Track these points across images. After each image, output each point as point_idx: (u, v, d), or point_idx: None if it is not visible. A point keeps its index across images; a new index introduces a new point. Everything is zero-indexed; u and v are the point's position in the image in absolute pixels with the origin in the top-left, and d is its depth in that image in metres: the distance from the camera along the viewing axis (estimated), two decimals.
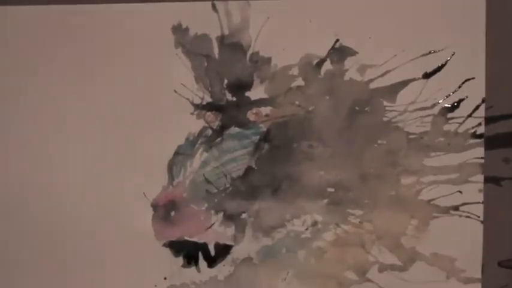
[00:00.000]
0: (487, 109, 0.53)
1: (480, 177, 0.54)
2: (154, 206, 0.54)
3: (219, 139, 0.53)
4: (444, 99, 0.53)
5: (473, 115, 0.53)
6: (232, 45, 0.52)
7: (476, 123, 0.53)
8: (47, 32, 0.51)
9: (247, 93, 0.52)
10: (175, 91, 0.52)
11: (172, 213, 0.54)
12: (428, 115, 0.53)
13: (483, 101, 0.53)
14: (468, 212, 0.54)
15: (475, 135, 0.53)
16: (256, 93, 0.52)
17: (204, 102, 0.52)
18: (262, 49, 0.52)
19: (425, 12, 0.52)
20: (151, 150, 0.53)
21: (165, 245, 0.54)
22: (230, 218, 0.54)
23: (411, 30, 0.52)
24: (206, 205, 0.54)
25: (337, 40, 0.52)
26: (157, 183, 0.53)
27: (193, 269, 0.54)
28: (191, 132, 0.53)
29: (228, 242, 0.54)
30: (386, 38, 0.52)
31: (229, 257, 0.54)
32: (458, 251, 0.54)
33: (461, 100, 0.53)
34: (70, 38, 0.51)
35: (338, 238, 0.54)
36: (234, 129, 0.53)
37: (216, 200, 0.54)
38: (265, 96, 0.52)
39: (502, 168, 0.54)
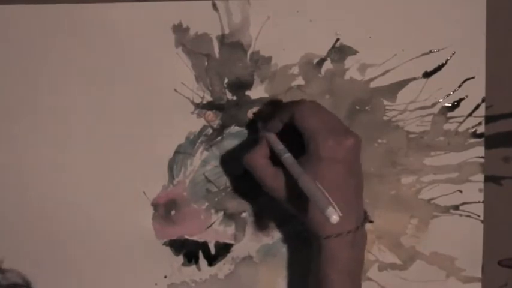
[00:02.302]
0: (487, 108, 0.53)
1: (480, 177, 0.54)
2: (155, 205, 0.53)
3: (219, 138, 0.53)
4: (444, 98, 0.53)
5: (474, 114, 0.53)
6: (232, 45, 0.52)
7: (477, 122, 0.53)
8: (47, 32, 0.51)
9: (247, 92, 0.52)
10: (175, 90, 0.52)
11: (173, 212, 0.54)
12: (429, 114, 0.53)
13: (483, 100, 0.53)
14: (468, 212, 0.54)
15: (475, 135, 0.53)
16: (256, 92, 0.52)
17: (205, 101, 0.52)
18: (262, 48, 0.52)
19: (425, 12, 0.52)
20: (152, 149, 0.53)
21: (165, 243, 0.54)
22: (230, 216, 0.54)
23: (411, 30, 0.52)
24: (206, 204, 0.54)
25: (338, 39, 0.52)
26: (157, 182, 0.53)
27: (193, 267, 0.54)
28: (191, 131, 0.53)
29: (228, 241, 0.54)
30: (386, 37, 0.52)
31: (229, 256, 0.54)
32: (458, 250, 0.54)
33: (461, 99, 0.53)
34: (70, 38, 0.51)
35: None
36: (235, 128, 0.53)
37: (216, 199, 0.54)
38: (265, 95, 0.52)
39: (502, 168, 0.54)
